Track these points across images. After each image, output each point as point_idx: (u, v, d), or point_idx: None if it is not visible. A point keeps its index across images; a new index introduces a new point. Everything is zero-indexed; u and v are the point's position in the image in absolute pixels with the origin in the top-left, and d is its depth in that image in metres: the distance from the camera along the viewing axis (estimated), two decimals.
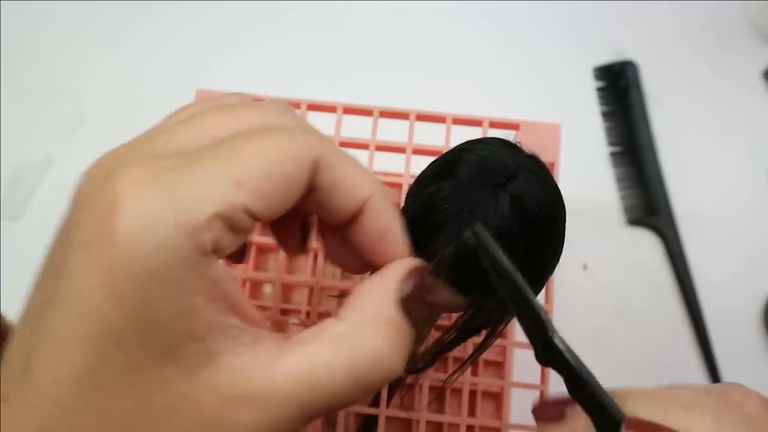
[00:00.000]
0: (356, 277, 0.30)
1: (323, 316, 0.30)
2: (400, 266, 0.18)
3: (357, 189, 0.18)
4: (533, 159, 0.21)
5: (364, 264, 0.20)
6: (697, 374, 0.42)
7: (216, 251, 0.15)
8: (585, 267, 0.44)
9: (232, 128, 0.17)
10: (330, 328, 0.17)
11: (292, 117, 0.18)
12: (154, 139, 0.16)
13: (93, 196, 0.15)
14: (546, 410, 0.19)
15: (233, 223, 0.15)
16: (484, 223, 0.19)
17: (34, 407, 0.14)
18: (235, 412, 0.15)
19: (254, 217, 0.15)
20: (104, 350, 0.14)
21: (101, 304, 0.14)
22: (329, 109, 0.33)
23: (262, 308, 0.41)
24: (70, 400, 0.14)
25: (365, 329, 0.17)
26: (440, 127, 0.33)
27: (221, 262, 0.16)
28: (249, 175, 0.15)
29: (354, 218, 0.18)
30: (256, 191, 0.15)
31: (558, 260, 0.22)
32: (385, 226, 0.18)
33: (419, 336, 0.28)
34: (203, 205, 0.14)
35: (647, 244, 0.45)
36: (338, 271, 0.43)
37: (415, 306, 0.18)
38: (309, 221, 0.21)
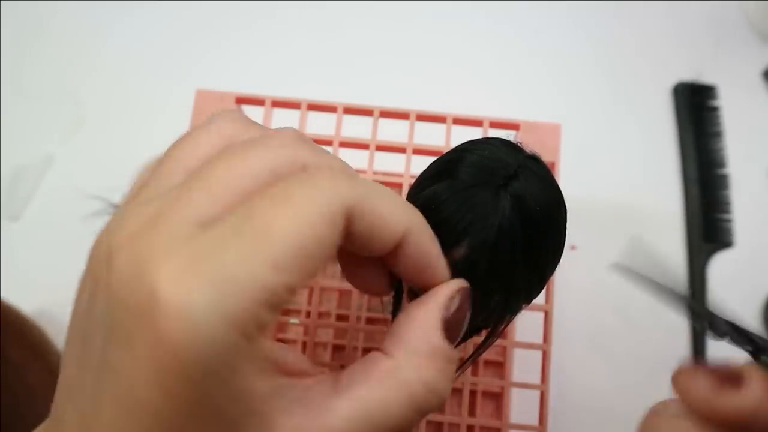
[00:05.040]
0: None
1: (324, 315, 0.30)
2: (442, 294, 0.18)
3: (392, 227, 0.17)
4: (534, 159, 0.21)
5: (389, 287, 0.20)
6: None
7: (261, 330, 0.15)
8: (573, 248, 0.45)
9: (260, 178, 0.16)
10: (378, 364, 0.17)
11: (311, 150, 0.17)
12: (179, 203, 0.16)
13: (126, 285, 0.14)
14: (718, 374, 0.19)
15: (274, 303, 0.15)
16: (485, 223, 0.19)
17: None
18: None
19: (294, 290, 0.15)
20: None
21: (157, 403, 0.14)
22: (329, 109, 0.33)
23: None
24: None
25: (414, 362, 0.17)
26: (440, 127, 0.32)
27: None
28: (284, 254, 0.15)
29: (392, 251, 0.18)
30: (294, 267, 0.15)
31: (559, 260, 0.22)
32: (425, 256, 0.18)
33: None
34: (245, 296, 0.14)
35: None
36: (338, 270, 0.43)
37: (459, 329, 0.18)
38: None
